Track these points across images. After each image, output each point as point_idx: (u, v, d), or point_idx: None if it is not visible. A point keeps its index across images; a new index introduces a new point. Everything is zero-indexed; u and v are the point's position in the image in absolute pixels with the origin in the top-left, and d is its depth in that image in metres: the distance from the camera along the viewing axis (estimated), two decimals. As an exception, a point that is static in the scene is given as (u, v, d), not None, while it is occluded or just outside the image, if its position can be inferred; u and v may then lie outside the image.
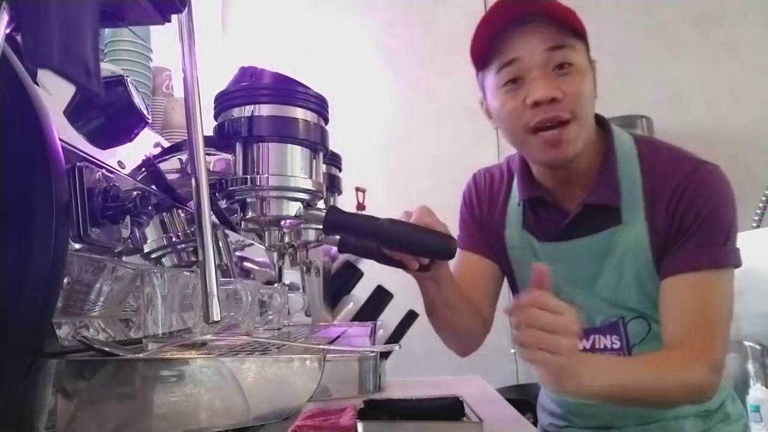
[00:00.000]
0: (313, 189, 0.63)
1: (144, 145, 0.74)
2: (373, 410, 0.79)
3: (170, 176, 0.67)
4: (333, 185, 0.86)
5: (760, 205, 2.16)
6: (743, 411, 1.01)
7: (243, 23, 2.76)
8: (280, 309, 0.79)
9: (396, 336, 1.35)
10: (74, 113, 0.57)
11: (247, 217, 0.63)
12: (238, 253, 0.97)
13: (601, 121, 0.95)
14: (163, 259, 0.72)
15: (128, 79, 0.63)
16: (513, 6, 0.84)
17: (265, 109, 0.60)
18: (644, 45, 2.66)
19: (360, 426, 0.75)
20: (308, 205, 0.65)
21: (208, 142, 0.58)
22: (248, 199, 0.62)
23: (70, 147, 0.55)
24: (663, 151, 0.91)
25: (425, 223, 0.72)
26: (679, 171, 0.87)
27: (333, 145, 0.68)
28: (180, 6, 0.45)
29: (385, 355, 1.17)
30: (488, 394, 1.26)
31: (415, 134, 2.69)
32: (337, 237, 0.76)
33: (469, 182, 1.10)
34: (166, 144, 0.82)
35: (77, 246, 0.52)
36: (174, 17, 0.46)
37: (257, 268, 1.07)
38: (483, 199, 1.06)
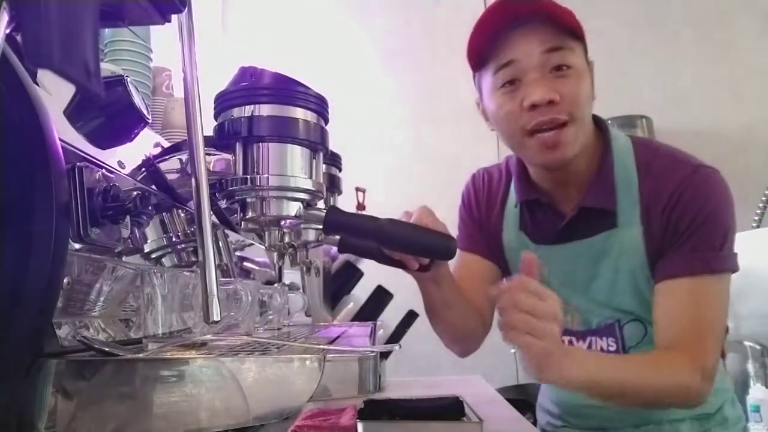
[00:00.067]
0: (313, 189, 0.63)
1: (144, 145, 0.74)
2: (373, 410, 0.79)
3: (170, 176, 0.67)
4: (333, 185, 0.86)
5: (760, 205, 2.16)
6: (742, 414, 1.01)
7: (243, 23, 2.76)
8: (280, 309, 0.79)
9: (396, 336, 1.35)
10: (74, 113, 0.57)
11: (247, 217, 0.63)
12: (238, 253, 0.97)
13: (598, 123, 0.95)
14: (163, 259, 0.72)
15: (128, 79, 0.63)
16: (510, 6, 0.84)
17: (265, 109, 0.60)
18: (644, 45, 2.66)
19: (360, 426, 0.75)
20: (308, 205, 0.65)
21: (208, 142, 0.58)
22: (248, 199, 0.62)
23: (70, 147, 0.55)
24: (660, 154, 0.90)
25: (425, 223, 0.72)
26: (676, 174, 0.86)
27: (333, 145, 0.68)
28: (180, 6, 0.45)
29: (385, 355, 1.17)
30: (488, 394, 1.26)
31: (415, 134, 2.69)
32: (337, 237, 0.76)
33: (468, 182, 1.10)
34: (166, 144, 0.82)
35: (77, 246, 0.52)
36: (174, 17, 0.46)
37: (257, 268, 1.07)
38: (481, 199, 1.06)
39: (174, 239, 0.72)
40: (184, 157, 0.66)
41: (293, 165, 0.61)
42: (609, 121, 2.44)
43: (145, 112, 0.65)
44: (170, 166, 0.67)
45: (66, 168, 0.48)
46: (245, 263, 1.02)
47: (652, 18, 2.69)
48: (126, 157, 0.67)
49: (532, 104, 0.83)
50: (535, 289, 0.69)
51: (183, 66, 0.49)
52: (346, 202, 0.86)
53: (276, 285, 0.87)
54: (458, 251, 0.93)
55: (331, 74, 2.48)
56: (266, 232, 0.67)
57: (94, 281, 0.56)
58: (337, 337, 0.69)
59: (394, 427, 0.77)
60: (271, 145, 0.60)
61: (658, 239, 0.86)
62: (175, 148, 0.69)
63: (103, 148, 0.62)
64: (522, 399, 1.52)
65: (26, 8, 0.30)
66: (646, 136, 2.41)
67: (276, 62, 0.66)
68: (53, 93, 0.54)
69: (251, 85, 0.61)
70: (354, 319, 1.35)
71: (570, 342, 0.96)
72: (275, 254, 0.77)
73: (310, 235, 0.74)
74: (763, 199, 2.15)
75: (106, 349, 0.48)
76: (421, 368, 1.68)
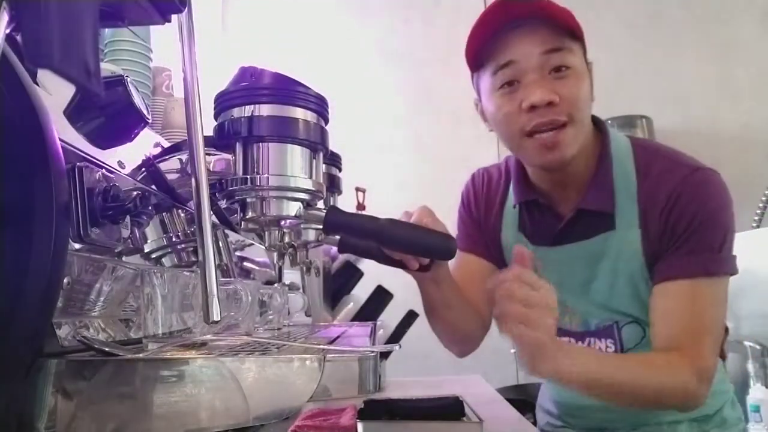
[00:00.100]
0: (313, 189, 0.63)
1: (144, 145, 0.74)
2: (373, 410, 0.79)
3: (170, 176, 0.67)
4: (333, 185, 0.86)
5: (760, 205, 2.16)
6: (742, 416, 1.00)
7: (243, 23, 2.76)
8: (280, 309, 0.80)
9: (396, 336, 1.35)
10: (74, 113, 0.57)
11: (247, 217, 0.63)
12: (238, 253, 0.97)
13: (597, 124, 0.94)
14: (163, 259, 0.72)
15: (128, 79, 0.63)
16: (509, 7, 0.83)
17: (265, 109, 0.60)
18: (644, 45, 2.66)
19: (360, 426, 0.75)
20: (308, 205, 0.65)
21: (208, 142, 0.58)
22: (248, 199, 0.62)
23: (70, 147, 0.55)
24: (659, 156, 0.90)
25: (425, 223, 0.72)
26: (674, 176, 0.85)
27: (333, 145, 0.68)
28: (180, 6, 0.45)
29: (385, 355, 1.17)
30: (488, 394, 1.26)
31: (415, 134, 2.69)
32: (337, 237, 0.76)
33: (468, 182, 1.10)
34: (166, 144, 0.82)
35: (77, 246, 0.52)
36: (174, 17, 0.46)
37: (257, 268, 1.07)
38: (480, 199, 1.05)
39: (174, 239, 0.72)
40: (184, 157, 0.66)
41: (293, 165, 0.61)
42: (609, 121, 2.45)
43: (145, 112, 0.65)
44: (170, 166, 0.67)
45: (66, 168, 0.48)
46: (245, 263, 1.02)
47: (652, 18, 2.69)
48: (126, 157, 0.67)
49: (532, 105, 0.82)
50: (529, 280, 0.69)
51: (183, 66, 0.49)
52: (346, 202, 0.86)
53: (276, 285, 0.87)
54: (457, 252, 0.93)
55: (331, 74, 2.48)
56: (266, 232, 0.67)
57: (94, 281, 0.56)
58: (337, 337, 0.69)
59: (394, 427, 0.77)
60: (271, 145, 0.60)
61: (655, 242, 0.86)
62: (175, 148, 0.69)
63: (103, 148, 0.62)
64: (522, 399, 1.52)
65: (26, 8, 0.30)
66: (646, 136, 2.41)
67: (276, 62, 0.66)
68: (53, 93, 0.54)
69: (251, 85, 0.61)
70: (354, 319, 1.35)
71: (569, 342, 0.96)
72: (275, 254, 0.77)
73: (310, 235, 0.74)
74: (763, 199, 2.15)
75: (106, 349, 0.48)
76: (421, 368, 1.68)
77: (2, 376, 0.41)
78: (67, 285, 0.50)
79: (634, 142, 0.94)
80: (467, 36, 0.87)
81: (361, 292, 1.42)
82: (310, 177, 0.63)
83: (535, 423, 1.13)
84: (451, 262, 0.84)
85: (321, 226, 0.66)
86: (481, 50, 0.87)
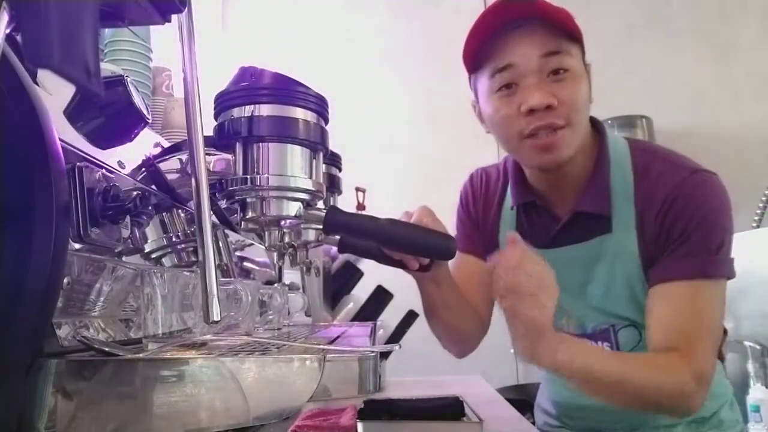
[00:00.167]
0: (313, 189, 0.63)
1: (144, 145, 0.74)
2: (373, 410, 0.79)
3: (170, 176, 0.67)
4: (333, 185, 0.86)
5: (760, 205, 2.16)
6: (740, 418, 0.99)
7: (243, 23, 2.76)
8: (280, 309, 0.80)
9: (396, 336, 1.35)
10: (74, 113, 0.57)
11: (247, 217, 0.63)
12: (238, 253, 0.97)
13: (596, 125, 0.94)
14: (163, 259, 0.72)
15: (128, 79, 0.63)
16: (508, 9, 0.83)
17: (265, 109, 0.60)
18: (644, 45, 2.66)
19: (360, 426, 0.75)
20: (308, 205, 0.65)
21: (208, 142, 0.58)
22: (248, 199, 0.62)
23: (70, 147, 0.55)
24: (657, 159, 0.89)
25: (425, 223, 0.72)
26: (671, 179, 0.85)
27: (333, 145, 0.68)
28: (180, 6, 0.45)
29: (385, 355, 1.17)
30: (488, 394, 1.26)
31: (415, 134, 2.69)
32: (337, 237, 0.76)
33: (466, 182, 1.09)
34: (166, 144, 0.82)
35: (77, 246, 0.52)
36: (174, 17, 0.46)
37: (257, 268, 1.07)
38: (479, 199, 1.05)
39: (174, 239, 0.72)
40: (184, 157, 0.66)
41: (293, 165, 0.61)
42: (609, 122, 2.44)
43: (145, 112, 0.65)
44: (170, 166, 0.67)
45: (66, 168, 0.48)
46: (245, 263, 1.02)
47: (652, 18, 2.69)
48: (126, 157, 0.67)
49: (530, 109, 0.82)
50: (535, 258, 0.69)
51: (183, 66, 0.49)
52: (346, 202, 0.86)
53: (276, 285, 0.87)
54: (456, 252, 0.93)
55: (331, 74, 2.48)
56: (266, 232, 0.67)
57: (94, 281, 0.56)
58: (337, 337, 0.69)
59: (394, 427, 0.77)
60: (271, 145, 0.60)
61: (651, 244, 0.85)
62: (175, 148, 0.69)
63: (103, 148, 0.62)
64: (522, 399, 1.52)
65: (26, 8, 0.30)
66: (646, 136, 2.41)
67: (276, 62, 0.66)
68: (53, 93, 0.54)
69: (251, 85, 0.61)
70: (354, 319, 1.35)
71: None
72: (275, 254, 0.77)
73: (310, 235, 0.74)
74: (763, 199, 2.15)
75: (106, 349, 0.48)
76: (421, 368, 1.68)
77: (2, 376, 0.41)
78: (67, 285, 0.50)
79: (633, 144, 0.93)
80: (466, 37, 0.87)
81: (361, 292, 1.42)
82: (310, 177, 0.63)
83: (535, 423, 1.13)
84: (450, 263, 0.84)
85: (321, 226, 0.66)
86: (480, 51, 0.86)
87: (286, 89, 0.61)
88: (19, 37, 0.30)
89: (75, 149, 0.56)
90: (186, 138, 0.52)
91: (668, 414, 0.86)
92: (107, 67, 0.68)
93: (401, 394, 0.89)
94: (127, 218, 0.59)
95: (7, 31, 0.32)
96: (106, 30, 0.97)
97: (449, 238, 0.71)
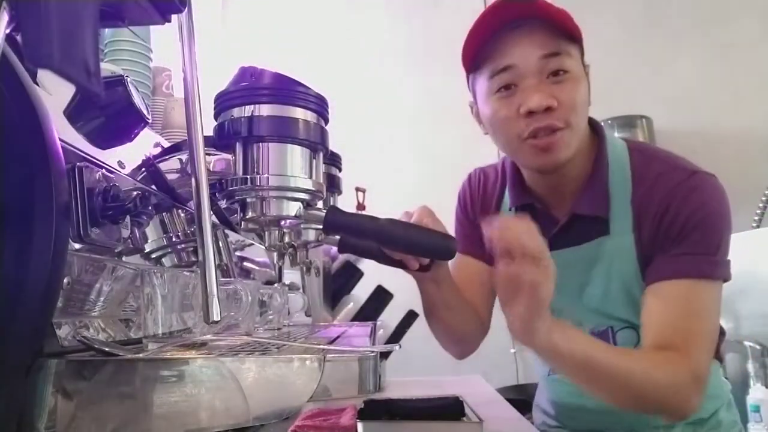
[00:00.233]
0: (313, 189, 0.63)
1: (144, 145, 0.74)
2: (373, 410, 0.79)
3: (170, 176, 0.67)
4: (333, 185, 0.85)
5: (760, 205, 2.16)
6: (738, 419, 0.99)
7: (243, 23, 2.76)
8: (280, 309, 0.80)
9: (396, 336, 1.35)
10: (74, 113, 0.57)
11: (247, 217, 0.63)
12: (238, 253, 0.97)
13: (595, 127, 0.93)
14: (163, 259, 0.72)
15: (128, 79, 0.63)
16: (507, 9, 0.82)
17: (265, 109, 0.60)
18: (644, 45, 2.66)
19: (360, 426, 0.75)
20: (308, 205, 0.65)
21: (208, 142, 0.58)
22: (248, 199, 0.62)
23: (70, 147, 0.55)
24: (656, 160, 0.88)
25: (425, 223, 0.72)
26: (669, 181, 0.84)
27: (333, 145, 0.68)
28: (180, 6, 0.45)
29: (385, 355, 1.17)
30: (488, 394, 1.26)
31: (415, 134, 2.69)
32: (337, 237, 0.76)
33: (464, 182, 1.09)
34: (166, 144, 0.82)
35: (77, 246, 0.52)
36: (174, 17, 0.46)
37: (257, 268, 1.07)
38: (477, 200, 1.05)
39: (174, 239, 0.72)
40: (184, 157, 0.66)
41: (293, 165, 0.61)
42: (609, 122, 2.44)
43: (145, 112, 0.65)
44: (170, 166, 0.67)
45: (66, 168, 0.48)
46: (245, 263, 1.02)
47: (652, 18, 2.69)
48: (126, 157, 0.67)
49: (529, 111, 0.81)
50: (532, 231, 0.66)
51: (183, 66, 0.49)
52: (346, 202, 0.86)
53: (276, 285, 0.87)
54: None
55: (331, 74, 2.48)
56: (266, 232, 0.67)
57: (94, 281, 0.56)
58: (337, 337, 0.69)
59: (394, 427, 0.77)
60: (271, 145, 0.60)
61: (649, 246, 0.85)
62: (175, 148, 0.69)
63: (103, 148, 0.62)
64: (522, 399, 1.52)
65: (26, 8, 0.30)
66: (645, 136, 2.41)
67: (276, 62, 0.66)
68: (53, 93, 0.54)
69: (251, 85, 0.61)
70: (354, 319, 1.35)
71: None
72: (275, 254, 0.77)
73: (310, 235, 0.74)
74: (763, 199, 2.15)
75: (106, 349, 0.48)
76: (421, 368, 1.68)
77: (2, 376, 0.41)
78: (67, 285, 0.50)
79: (631, 145, 0.92)
80: (465, 37, 0.87)
81: (361, 292, 1.42)
82: (310, 177, 0.63)
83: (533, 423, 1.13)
84: (450, 263, 0.84)
85: (321, 226, 0.66)
86: (479, 52, 0.86)
87: (286, 89, 0.61)
88: (19, 37, 0.30)
89: (75, 149, 0.56)
90: (186, 138, 0.52)
91: (664, 412, 0.84)
92: (107, 67, 0.68)
93: (401, 394, 0.89)
94: (127, 218, 0.59)
95: (7, 31, 0.32)
96: (106, 30, 0.97)
97: (449, 238, 0.71)
